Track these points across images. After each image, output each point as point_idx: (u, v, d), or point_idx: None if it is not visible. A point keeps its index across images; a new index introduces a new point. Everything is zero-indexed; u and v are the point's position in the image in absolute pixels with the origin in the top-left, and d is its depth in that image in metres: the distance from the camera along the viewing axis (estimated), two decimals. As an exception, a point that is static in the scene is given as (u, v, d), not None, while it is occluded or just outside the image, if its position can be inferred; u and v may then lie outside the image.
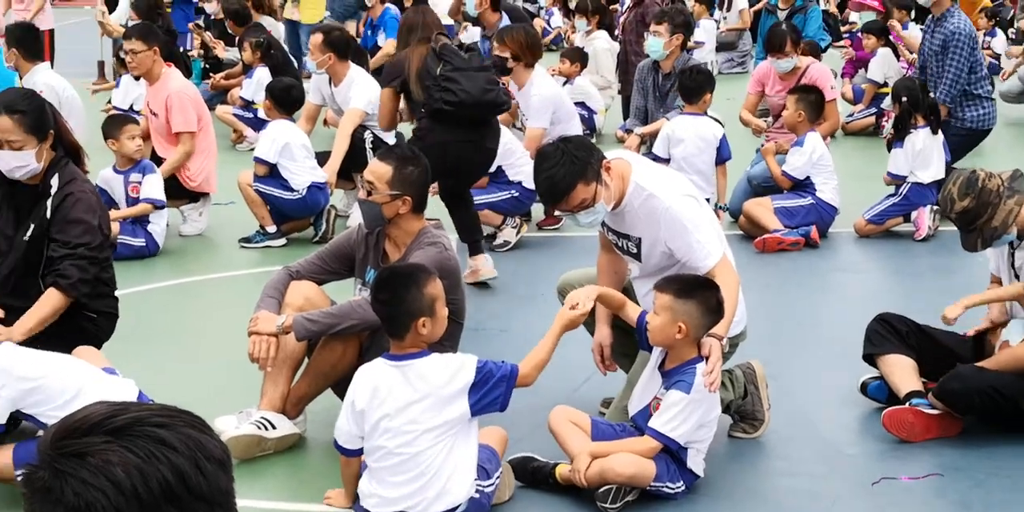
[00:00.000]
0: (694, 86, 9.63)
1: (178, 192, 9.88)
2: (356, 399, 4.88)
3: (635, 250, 5.62)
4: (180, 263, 9.31)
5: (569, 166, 5.33)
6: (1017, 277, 6.04)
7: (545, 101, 10.00)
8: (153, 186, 9.30)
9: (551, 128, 9.90)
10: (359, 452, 4.93)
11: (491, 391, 4.85)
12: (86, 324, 6.06)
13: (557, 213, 8.95)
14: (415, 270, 5.05)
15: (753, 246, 9.31)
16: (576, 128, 10.32)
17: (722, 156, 9.54)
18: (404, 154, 5.96)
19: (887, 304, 7.19)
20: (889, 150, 9.83)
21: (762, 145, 10.26)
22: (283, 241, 9.60)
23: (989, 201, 5.84)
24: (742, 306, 5.68)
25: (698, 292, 5.13)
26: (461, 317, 5.85)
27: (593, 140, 12.76)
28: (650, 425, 5.12)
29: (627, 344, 5.67)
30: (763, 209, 9.57)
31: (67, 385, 5.15)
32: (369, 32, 15.83)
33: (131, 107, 12.72)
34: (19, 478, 1.80)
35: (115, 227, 8.94)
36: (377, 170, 5.82)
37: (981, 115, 10.44)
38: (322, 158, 9.86)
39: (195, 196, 10.06)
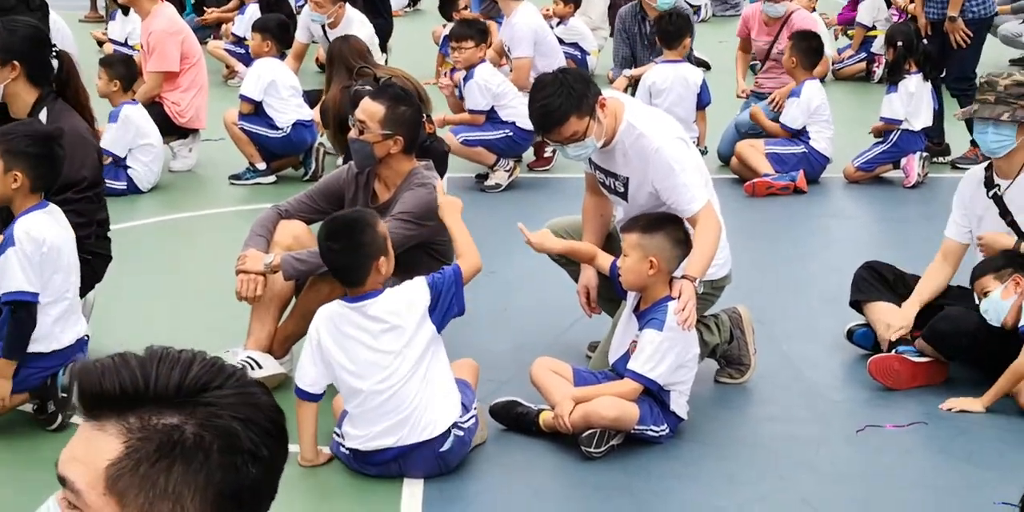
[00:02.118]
0: (673, 31, 9.52)
1: (168, 128, 9.78)
2: (322, 339, 4.85)
3: (622, 190, 5.56)
4: (169, 199, 9.23)
5: (565, 97, 5.27)
6: (1015, 224, 5.86)
7: (527, 29, 10.25)
8: (109, 137, 9.14)
9: (534, 62, 9.95)
10: (320, 397, 4.91)
11: (445, 299, 4.89)
12: (81, 266, 5.96)
13: (547, 144, 8.93)
14: (362, 213, 5.05)
15: (743, 190, 9.24)
16: (560, 64, 10.26)
17: (702, 101, 9.48)
18: (397, 94, 5.88)
19: (875, 251, 7.17)
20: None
21: (746, 99, 10.22)
22: (272, 178, 9.52)
23: None
24: (726, 250, 5.64)
25: (664, 226, 5.15)
26: (449, 259, 5.80)
27: (615, 83, 12.70)
28: (628, 367, 5.10)
29: (612, 288, 5.62)
30: (755, 151, 9.49)
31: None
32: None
33: (126, 41, 12.60)
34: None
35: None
36: (369, 109, 5.74)
37: (979, 3, 10.26)
38: (312, 97, 9.77)
39: (184, 132, 9.97)
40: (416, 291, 4.90)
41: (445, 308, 4.91)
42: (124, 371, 1.63)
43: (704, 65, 14.21)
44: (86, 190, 5.87)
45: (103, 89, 9.13)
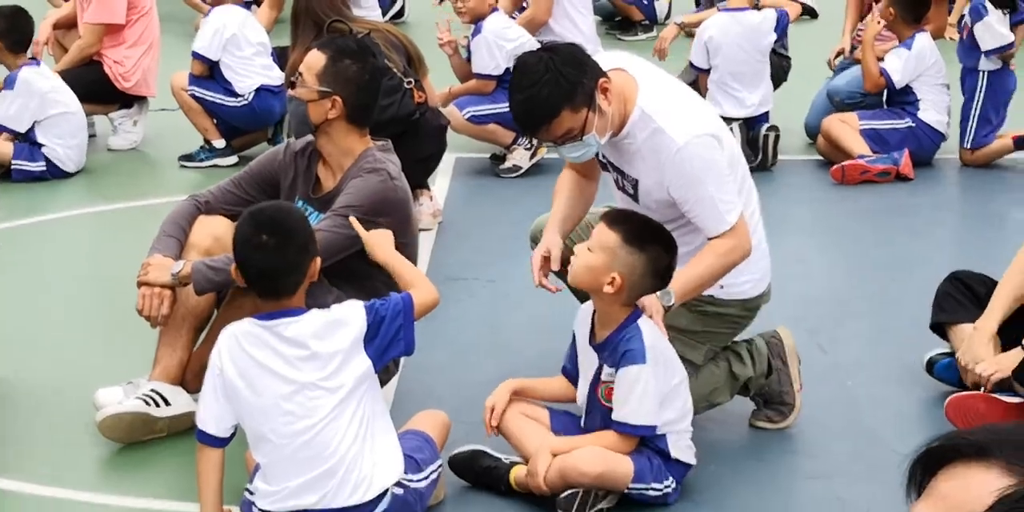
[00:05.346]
0: None
1: (108, 94, 9.85)
2: (224, 366, 4.79)
3: (632, 191, 5.48)
4: (101, 186, 9.30)
5: (554, 86, 5.12)
6: None
7: None
8: (4, 108, 9.26)
9: None
10: (227, 441, 4.87)
11: (388, 331, 4.81)
12: None
13: (528, 145, 8.98)
14: (290, 204, 5.09)
15: (830, 175, 9.14)
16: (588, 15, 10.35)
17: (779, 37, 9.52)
18: (347, 46, 5.84)
19: (990, 257, 7.03)
20: None
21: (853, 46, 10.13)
22: (234, 159, 9.57)
23: None
24: (765, 260, 5.57)
25: (652, 245, 5.01)
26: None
27: (653, 32, 12.68)
28: (615, 418, 5.02)
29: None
30: (847, 128, 9.41)
31: None
32: None
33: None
34: None
35: (7, 148, 8.98)
36: (310, 60, 5.76)
37: None
38: (286, 55, 9.78)
39: (129, 100, 10.03)
40: (349, 314, 4.84)
41: (386, 343, 4.83)
42: None
43: (809, 13, 14.19)
44: None
45: None
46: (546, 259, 5.48)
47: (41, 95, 9.25)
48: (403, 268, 5.18)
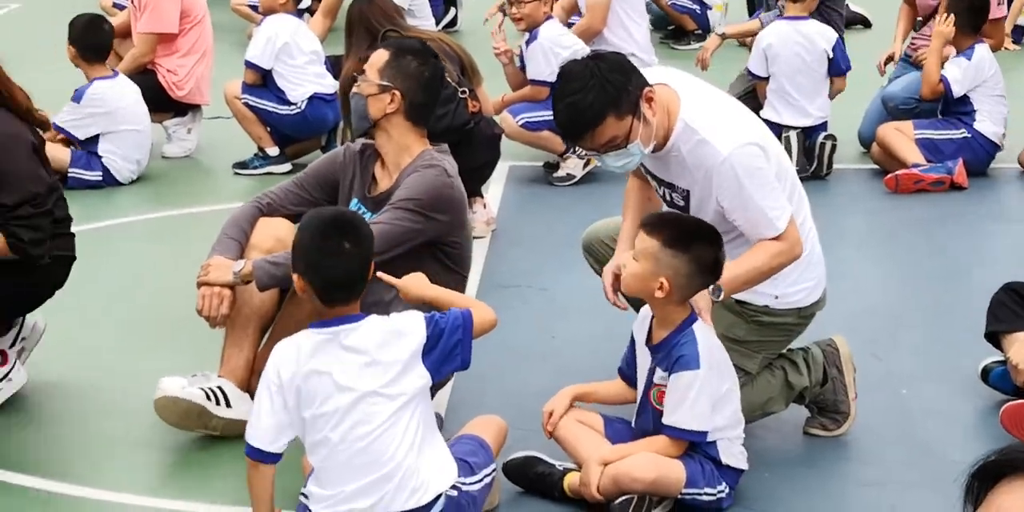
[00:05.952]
0: None
1: (162, 103, 9.93)
2: (283, 381, 4.76)
3: (682, 203, 5.47)
4: (156, 193, 9.38)
5: (599, 92, 5.12)
6: None
7: None
8: (65, 112, 9.36)
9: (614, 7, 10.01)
10: (279, 457, 4.84)
11: (447, 343, 4.79)
12: (33, 270, 6.02)
13: (582, 153, 8.91)
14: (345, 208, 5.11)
15: (883, 184, 9.16)
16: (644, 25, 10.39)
17: (837, 68, 9.42)
18: (409, 44, 5.91)
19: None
20: None
21: (906, 54, 10.13)
22: (287, 167, 9.65)
23: None
24: (820, 268, 5.59)
25: (694, 245, 5.02)
26: (464, 268, 5.79)
27: (706, 42, 12.70)
28: (666, 422, 5.06)
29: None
30: (902, 137, 9.42)
31: None
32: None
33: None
34: None
35: (65, 154, 9.05)
36: (373, 57, 5.84)
37: None
38: (339, 64, 9.84)
39: (183, 108, 10.11)
40: (409, 325, 4.83)
41: (445, 355, 4.80)
42: None
43: (862, 22, 14.20)
44: (48, 196, 5.99)
45: (70, 58, 9.29)
46: (617, 277, 5.43)
47: (112, 111, 9.35)
48: (451, 298, 5.10)
